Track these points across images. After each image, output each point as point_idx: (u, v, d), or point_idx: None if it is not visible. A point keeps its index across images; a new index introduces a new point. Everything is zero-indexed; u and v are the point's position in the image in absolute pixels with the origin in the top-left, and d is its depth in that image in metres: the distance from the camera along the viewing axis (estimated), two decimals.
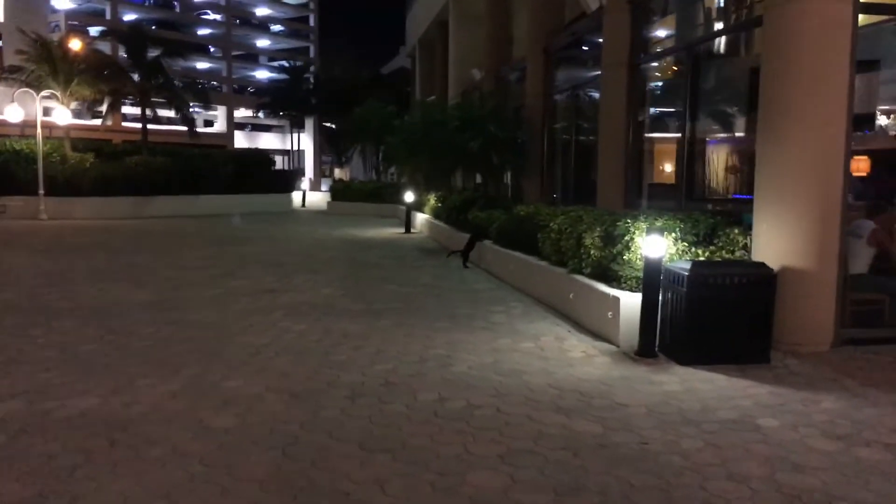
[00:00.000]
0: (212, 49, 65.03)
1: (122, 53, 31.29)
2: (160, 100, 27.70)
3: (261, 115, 64.96)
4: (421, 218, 18.80)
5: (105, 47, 36.48)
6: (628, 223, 6.55)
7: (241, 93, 66.89)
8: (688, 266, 5.67)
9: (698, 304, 5.65)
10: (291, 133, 54.35)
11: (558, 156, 13.35)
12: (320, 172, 62.96)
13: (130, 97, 28.45)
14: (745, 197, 7.68)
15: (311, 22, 72.31)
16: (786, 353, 5.92)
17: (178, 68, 31.36)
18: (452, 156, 13.59)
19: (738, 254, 6.52)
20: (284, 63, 55.19)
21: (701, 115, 8.35)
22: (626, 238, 6.49)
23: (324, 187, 55.71)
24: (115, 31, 29.94)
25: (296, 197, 31.24)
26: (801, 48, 6.00)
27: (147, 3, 61.52)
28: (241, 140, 61.21)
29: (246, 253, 13.57)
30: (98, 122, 41.18)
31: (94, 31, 36.33)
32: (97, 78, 25.04)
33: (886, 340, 6.33)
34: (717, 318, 5.68)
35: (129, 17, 54.61)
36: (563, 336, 6.65)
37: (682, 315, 5.70)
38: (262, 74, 69.69)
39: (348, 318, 7.52)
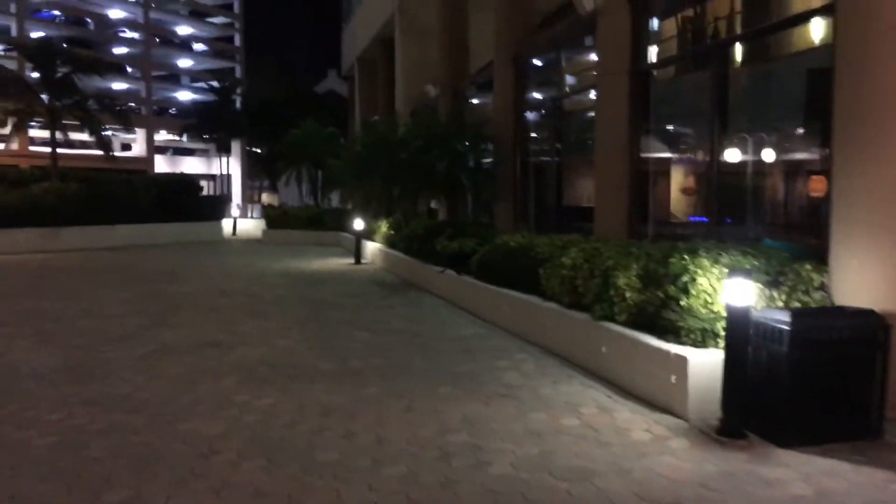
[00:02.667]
0: (129, 69, 61.57)
1: (30, 72, 28.59)
2: (73, 122, 25.17)
3: (184, 138, 61.91)
4: (372, 247, 17.19)
5: (12, 65, 33.36)
6: (685, 260, 5.22)
7: (161, 115, 63.49)
8: (787, 317, 4.36)
9: (803, 366, 4.34)
10: (219, 157, 51.59)
11: (532, 178, 12.07)
12: (249, 198, 60.24)
13: (38, 118, 25.84)
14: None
15: (237, 41, 69.62)
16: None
17: (93, 89, 28.85)
18: (415, 178, 12.10)
19: (816, 296, 5.29)
20: (211, 84, 52.47)
21: (734, 130, 7.19)
22: (685, 279, 5.16)
23: (253, 214, 53.19)
24: (21, 46, 27.14)
25: (226, 225, 29.00)
26: None
27: (58, 20, 57.66)
28: (162, 165, 57.82)
29: (177, 293, 11.64)
30: (1, 146, 37.79)
31: None
32: (0, 97, 22.46)
33: None
34: (825, 384, 4.40)
35: (37, 34, 50.88)
36: (606, 405, 5.22)
37: (782, 381, 4.38)
38: (184, 95, 66.41)
39: (322, 384, 5.89)
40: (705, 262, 5.11)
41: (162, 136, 60.99)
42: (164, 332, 8.25)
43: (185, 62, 67.64)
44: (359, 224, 16.81)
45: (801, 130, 6.74)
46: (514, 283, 8.23)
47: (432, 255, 11.67)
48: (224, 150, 51.26)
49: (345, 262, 17.24)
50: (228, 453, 4.30)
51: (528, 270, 7.87)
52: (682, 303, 5.16)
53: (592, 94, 9.95)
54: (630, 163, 8.42)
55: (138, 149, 58.05)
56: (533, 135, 12.12)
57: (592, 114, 9.88)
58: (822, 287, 5.35)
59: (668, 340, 5.19)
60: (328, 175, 21.64)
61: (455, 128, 12.41)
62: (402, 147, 12.85)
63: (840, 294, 5.23)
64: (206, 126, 46.48)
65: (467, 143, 12.10)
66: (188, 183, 27.24)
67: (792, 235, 7.08)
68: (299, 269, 15.47)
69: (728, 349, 4.49)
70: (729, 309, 4.48)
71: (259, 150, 55.81)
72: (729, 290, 4.47)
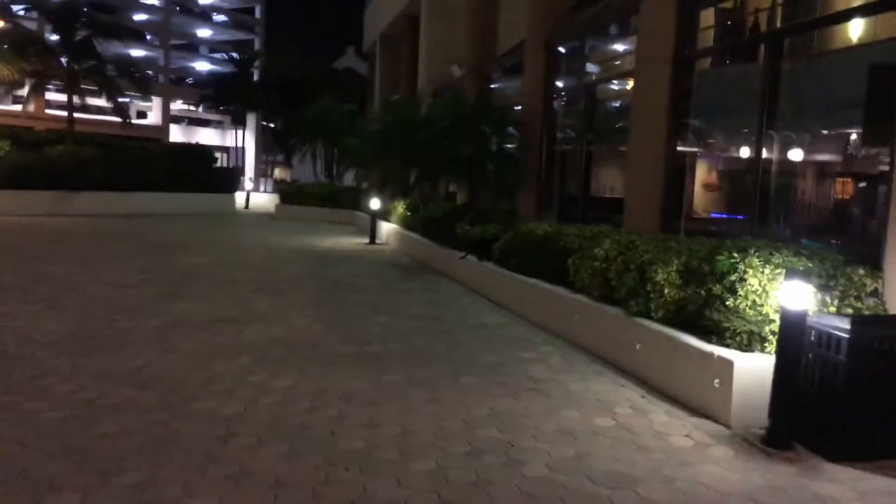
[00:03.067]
0: (149, 36, 61.22)
1: (50, 34, 28.30)
2: (90, 86, 24.91)
3: (200, 108, 61.52)
4: (387, 228, 16.93)
5: (32, 25, 33.08)
6: (734, 258, 4.93)
7: (178, 84, 63.19)
8: (846, 324, 4.08)
9: (861, 377, 4.07)
10: (234, 129, 51.25)
11: (559, 166, 11.75)
12: (262, 172, 59.97)
13: (56, 81, 25.62)
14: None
15: (257, 13, 69.06)
16: None
17: (112, 54, 28.55)
18: (437, 160, 11.80)
19: (868, 302, 5.00)
20: (229, 55, 52.04)
21: (784, 126, 6.86)
22: (732, 278, 4.87)
23: (266, 188, 52.96)
24: (42, 6, 26.82)
25: (239, 198, 28.81)
26: None
27: None
28: (177, 134, 57.52)
29: (190, 264, 11.43)
30: (18, 107, 37.64)
31: (17, 8, 32.94)
32: (19, 56, 22.20)
33: None
34: (883, 397, 4.13)
35: None
36: (641, 406, 4.96)
37: (837, 392, 4.11)
38: (202, 66, 66.03)
39: (342, 367, 5.66)
40: (755, 262, 4.82)
41: (177, 105, 60.75)
42: (177, 304, 8.04)
43: (204, 32, 67.19)
44: (375, 203, 16.56)
45: (853, 129, 6.40)
46: (540, 273, 7.97)
47: (452, 240, 11.41)
48: (239, 122, 50.90)
49: (359, 241, 17.00)
50: (247, 437, 4.07)
51: (555, 260, 7.60)
52: (728, 303, 4.88)
53: (625, 83, 9.61)
54: (666, 155, 8.10)
55: (154, 117, 57.86)
56: (562, 122, 11.78)
57: (625, 102, 9.56)
58: (875, 293, 5.07)
59: (710, 342, 4.92)
60: (345, 152, 21.32)
61: (481, 110, 12.07)
62: (424, 127, 12.53)
63: (894, 301, 4.96)
64: (223, 97, 46.08)
65: (493, 127, 11.77)
66: (203, 153, 26.99)
67: (836, 238, 6.77)
68: (313, 247, 15.25)
69: (780, 355, 4.22)
70: (784, 313, 4.20)
71: (274, 125, 55.43)
72: (784, 292, 4.19)
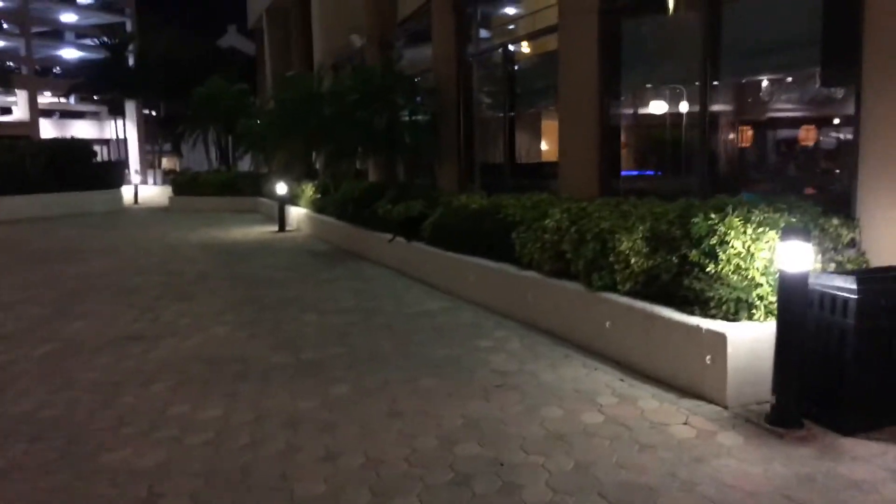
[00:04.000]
0: (5, 25, 55.84)
1: None
2: None
3: (72, 100, 57.06)
4: (297, 213, 15.91)
5: None
6: (713, 220, 4.48)
7: (45, 75, 58.21)
8: (852, 283, 3.70)
9: (873, 338, 3.71)
10: (113, 120, 47.77)
11: (480, 134, 11.15)
12: (148, 164, 56.38)
13: None
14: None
15: None
16: None
17: None
18: (349, 136, 10.94)
19: (848, 254, 4.70)
20: (100, 39, 48.16)
21: (731, 73, 6.47)
22: (712, 241, 4.42)
23: (155, 180, 49.89)
24: None
25: (126, 193, 26.70)
26: None
27: None
28: (48, 129, 52.97)
29: (80, 274, 10.12)
30: None
31: None
32: None
33: None
34: (891, 360, 3.79)
35: None
36: (625, 392, 4.47)
37: (846, 358, 3.73)
38: (70, 53, 61.06)
39: (279, 383, 4.87)
40: (736, 222, 4.38)
41: (46, 98, 56.00)
42: (69, 323, 6.93)
43: (69, 17, 62.02)
44: (282, 188, 15.47)
45: (810, 69, 6.08)
46: (480, 250, 7.38)
47: (372, 221, 10.65)
48: (117, 112, 47.53)
49: (268, 229, 15.89)
50: (176, 498, 3.26)
51: (496, 235, 7.03)
52: (709, 269, 4.43)
53: (549, 40, 9.09)
54: (600, 114, 7.63)
55: (20, 112, 53.06)
56: (479, 88, 11.14)
57: (550, 61, 9.03)
58: (853, 243, 4.77)
59: (691, 313, 4.47)
60: (241, 136, 19.95)
61: (392, 80, 11.26)
62: (332, 102, 11.60)
63: (875, 252, 4.67)
64: (96, 85, 42.75)
65: (405, 98, 11.01)
66: (80, 148, 24.68)
67: (795, 190, 6.50)
68: (219, 240, 14.05)
69: (782, 324, 3.79)
70: (783, 276, 3.77)
71: (157, 113, 52.16)
72: (782, 253, 3.76)
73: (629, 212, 5.62)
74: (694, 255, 4.51)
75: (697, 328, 4.30)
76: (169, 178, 34.66)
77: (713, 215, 4.50)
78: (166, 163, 57.39)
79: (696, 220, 4.55)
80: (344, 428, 4.01)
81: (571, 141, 8.05)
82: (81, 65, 53.02)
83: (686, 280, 4.55)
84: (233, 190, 22.08)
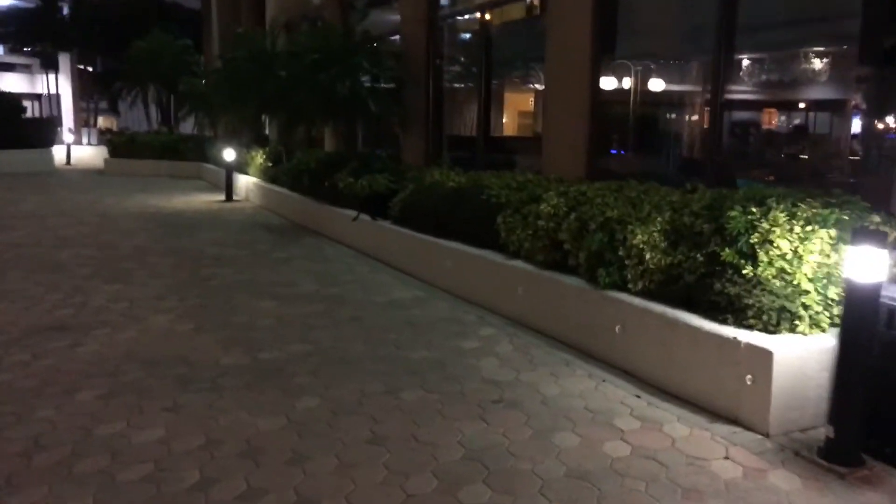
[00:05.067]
0: None
1: None
2: None
3: (0, 51, 53.26)
4: (245, 181, 14.82)
5: None
6: (753, 214, 3.84)
7: None
8: None
9: None
10: (45, 74, 44.67)
11: (448, 104, 10.34)
12: (83, 122, 53.26)
13: None
14: None
15: None
16: None
17: None
18: (308, 101, 9.97)
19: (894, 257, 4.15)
20: None
21: (748, 46, 5.84)
22: (753, 239, 3.79)
23: (90, 140, 47.19)
24: None
25: (58, 153, 24.83)
26: None
27: None
28: None
29: None
30: None
31: None
32: None
33: None
34: None
35: None
36: (646, 413, 3.83)
37: None
38: None
39: (233, 393, 4.07)
40: (781, 218, 3.76)
41: None
42: None
43: None
44: (229, 154, 14.34)
45: (841, 46, 5.50)
46: (456, 233, 6.66)
47: (331, 194, 9.78)
48: (51, 65, 44.47)
49: (213, 198, 14.77)
50: None
51: (478, 218, 6.30)
52: (746, 272, 3.81)
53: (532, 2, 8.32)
54: (591, 87, 6.94)
55: None
56: (451, 53, 10.31)
57: (533, 26, 8.28)
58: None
59: (723, 322, 3.86)
60: (185, 96, 18.56)
61: (355, 41, 10.31)
62: (288, 63, 10.59)
63: None
64: (26, 35, 39.79)
65: (369, 61, 10.08)
66: (8, 103, 22.77)
67: (818, 180, 5.96)
68: (159, 209, 12.91)
69: (847, 343, 3.21)
70: (851, 287, 3.17)
71: (93, 68, 49.12)
72: (851, 260, 3.15)
73: (638, 199, 4.99)
74: (727, 254, 3.88)
75: (734, 341, 3.69)
76: (105, 138, 32.48)
77: (753, 209, 3.87)
78: (103, 122, 54.29)
79: (733, 213, 3.91)
80: (317, 461, 3.26)
81: (558, 115, 7.35)
82: (11, 13, 49.37)
83: (717, 283, 3.93)
84: (174, 153, 20.66)
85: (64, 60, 48.71)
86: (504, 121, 10.24)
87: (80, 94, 52.00)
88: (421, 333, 5.28)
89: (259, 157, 14.25)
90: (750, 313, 3.77)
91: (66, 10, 42.84)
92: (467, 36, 10.10)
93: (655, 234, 4.37)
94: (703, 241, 4.10)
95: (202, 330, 5.34)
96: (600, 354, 4.63)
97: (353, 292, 6.58)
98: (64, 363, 4.56)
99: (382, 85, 10.88)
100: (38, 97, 49.82)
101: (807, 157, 6.11)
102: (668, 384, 4.08)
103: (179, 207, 13.20)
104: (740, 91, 6.04)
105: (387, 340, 5.11)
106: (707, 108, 5.95)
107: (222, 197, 14.57)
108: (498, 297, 5.78)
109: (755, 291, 3.77)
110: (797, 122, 6.38)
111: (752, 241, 3.79)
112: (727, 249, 3.89)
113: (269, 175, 13.47)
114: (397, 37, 11.25)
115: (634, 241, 4.47)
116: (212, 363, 4.59)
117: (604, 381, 4.30)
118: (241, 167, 15.06)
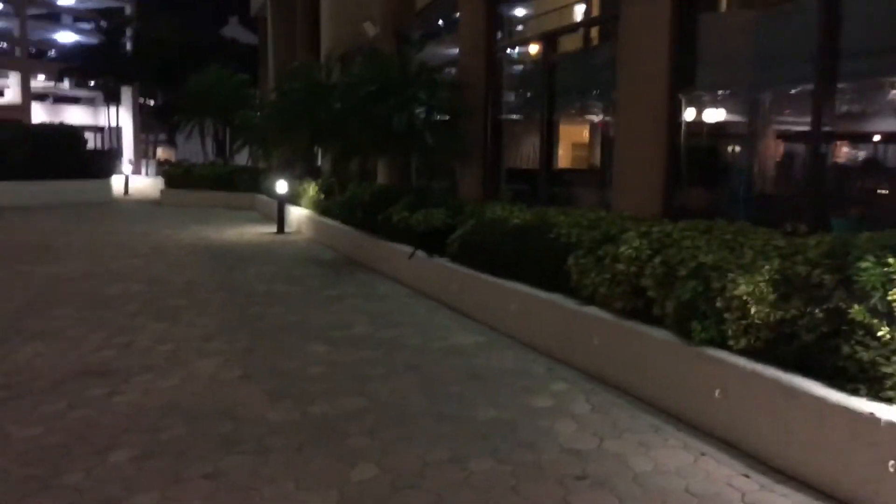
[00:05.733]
0: (1, 6, 54.31)
1: None
2: None
3: (66, 84, 55.53)
4: (297, 214, 14.64)
5: None
6: (889, 265, 3.26)
7: (40, 58, 56.61)
8: None
9: None
10: (107, 107, 46.25)
11: (507, 136, 9.93)
12: (142, 153, 54.86)
13: None
14: None
15: None
16: None
17: None
18: (364, 133, 9.69)
19: None
20: (97, 22, 46.71)
21: (854, 73, 5.26)
22: (889, 296, 3.20)
23: (148, 171, 48.48)
24: None
25: (116, 183, 25.32)
26: None
27: None
28: (40, 114, 51.35)
29: (47, 277, 8.83)
30: None
31: None
32: None
33: None
34: None
35: None
36: (759, 499, 3.23)
37: None
38: (66, 37, 59.39)
39: (281, 458, 3.62)
40: None
41: (40, 82, 54.44)
42: (22, 346, 5.66)
43: None
44: (282, 186, 14.18)
45: None
46: (522, 275, 6.16)
47: (385, 229, 9.42)
48: (113, 98, 46.03)
49: (265, 230, 14.61)
50: None
51: (546, 258, 5.80)
52: (881, 334, 3.21)
53: (598, 31, 7.87)
54: (669, 118, 6.42)
55: (11, 95, 51.59)
56: (511, 84, 9.93)
57: (598, 57, 7.83)
58: None
59: (853, 392, 3.25)
60: (240, 128, 18.65)
61: (413, 72, 10.02)
62: (344, 93, 10.37)
63: None
64: (90, 70, 41.26)
65: (426, 93, 9.76)
66: (71, 134, 23.34)
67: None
68: (211, 241, 12.77)
69: None
70: None
71: (154, 101, 50.69)
72: None
73: (735, 242, 4.43)
74: (858, 311, 3.29)
75: (871, 417, 3.08)
76: (162, 169, 33.19)
77: (891, 260, 3.28)
78: (161, 153, 55.90)
79: (865, 264, 3.32)
80: None
81: (631, 146, 6.83)
82: (77, 49, 51.53)
83: (845, 346, 3.33)
84: (229, 185, 20.76)
85: (126, 94, 50.46)
86: (567, 153, 9.76)
87: (140, 127, 53.71)
88: (486, 387, 4.78)
89: (312, 189, 14.07)
90: (888, 384, 3.16)
91: (128, 46, 44.37)
92: (528, 66, 9.69)
93: (762, 284, 3.80)
94: (823, 295, 3.52)
95: (249, 378, 4.94)
96: (694, 421, 4.04)
97: (409, 336, 6.12)
98: (100, 415, 4.20)
99: (438, 118, 10.55)
100: (100, 129, 51.59)
101: None
102: (783, 463, 3.47)
103: (232, 239, 13.04)
104: (840, 122, 5.43)
105: (449, 395, 4.62)
106: (802, 142, 5.36)
107: (274, 229, 14.40)
108: (569, 346, 5.24)
109: (894, 358, 3.16)
110: None
111: (889, 297, 3.20)
112: (857, 306, 3.30)
113: (321, 207, 13.24)
114: (453, 69, 10.98)
115: (737, 292, 3.90)
116: (258, 419, 4.16)
117: (703, 454, 3.71)
118: (294, 199, 14.90)
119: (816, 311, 3.52)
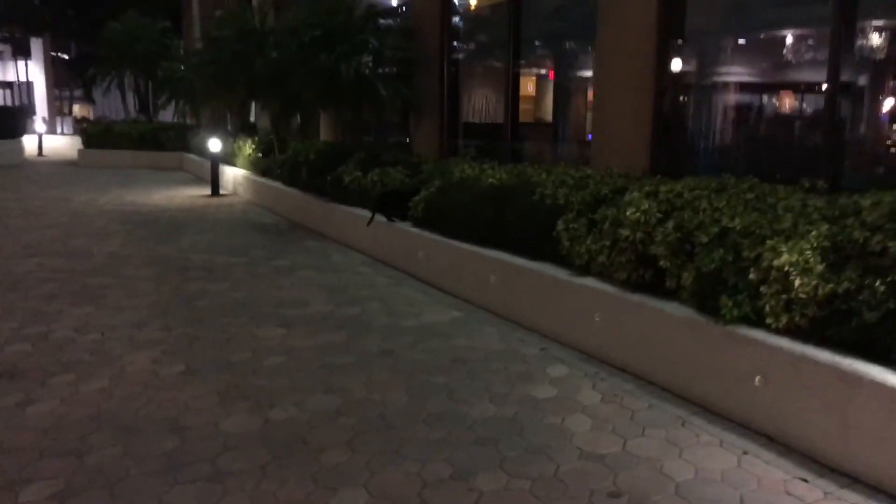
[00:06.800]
0: None
1: None
2: None
3: None
4: (233, 174, 13.55)
5: None
6: None
7: None
8: None
9: None
10: (15, 60, 42.78)
11: (466, 88, 9.16)
12: (57, 110, 51.25)
13: None
14: None
15: None
16: None
17: None
18: (312, 85, 8.73)
19: None
20: None
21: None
22: None
23: (64, 129, 45.44)
24: None
25: (29, 143, 23.29)
26: None
27: None
28: None
29: None
30: None
31: None
32: None
33: None
34: None
35: None
36: None
37: None
38: None
39: (239, 482, 2.91)
40: None
41: None
42: None
43: None
44: (215, 144, 13.04)
45: None
46: (499, 240, 5.51)
47: (334, 190, 8.60)
48: (22, 51, 42.60)
49: (197, 193, 13.48)
50: None
51: (528, 223, 5.17)
52: None
53: None
54: (656, 71, 5.80)
55: None
56: (470, 30, 9.12)
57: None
58: None
59: None
60: (164, 81, 17.17)
61: (362, 16, 9.07)
62: (281, 43, 9.35)
63: None
64: None
65: (377, 39, 8.85)
66: None
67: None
68: (138, 206, 11.61)
69: None
70: None
71: (68, 55, 47.20)
72: None
73: (761, 203, 3.87)
74: None
75: None
76: (80, 127, 30.88)
77: None
78: (78, 111, 52.41)
79: None
80: None
81: (613, 97, 6.20)
82: None
83: None
84: (154, 144, 19.28)
85: (36, 46, 46.82)
86: (534, 105, 9.08)
87: (53, 82, 50.05)
88: (475, 375, 4.14)
89: (248, 148, 13.00)
90: None
91: None
92: (491, 13, 8.89)
93: (808, 252, 3.25)
94: (885, 265, 2.99)
95: (195, 374, 4.16)
96: (726, 411, 3.51)
97: (376, 313, 5.41)
98: (9, 434, 3.37)
99: (393, 67, 9.65)
100: (9, 85, 47.91)
101: None
102: (847, 463, 2.97)
103: (161, 204, 11.90)
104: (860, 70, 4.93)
105: (434, 387, 3.96)
106: (820, 92, 4.83)
107: (208, 191, 13.28)
108: (563, 322, 4.65)
109: None
110: None
111: None
112: None
113: (259, 167, 12.24)
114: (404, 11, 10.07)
115: (777, 263, 3.34)
116: (210, 430, 3.41)
117: (745, 452, 3.19)
118: (228, 158, 13.79)
119: (877, 283, 3.00)
